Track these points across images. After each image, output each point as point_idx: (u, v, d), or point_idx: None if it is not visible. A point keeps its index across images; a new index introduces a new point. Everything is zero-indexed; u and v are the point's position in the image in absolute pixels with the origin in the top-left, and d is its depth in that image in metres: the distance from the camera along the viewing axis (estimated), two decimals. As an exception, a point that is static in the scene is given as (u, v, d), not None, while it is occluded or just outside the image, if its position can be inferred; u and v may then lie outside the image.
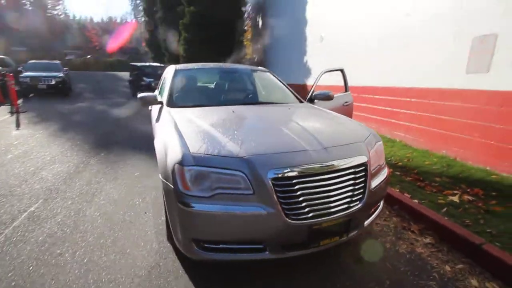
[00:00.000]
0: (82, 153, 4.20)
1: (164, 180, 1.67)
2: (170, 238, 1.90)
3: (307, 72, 8.71)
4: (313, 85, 3.40)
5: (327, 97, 3.11)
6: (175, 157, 1.59)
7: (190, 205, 1.49)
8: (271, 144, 1.69)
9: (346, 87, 4.00)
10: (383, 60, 4.90)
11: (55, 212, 2.52)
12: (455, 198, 2.55)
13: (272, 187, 1.48)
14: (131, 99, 10.85)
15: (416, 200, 2.52)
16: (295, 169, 1.52)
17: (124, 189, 2.99)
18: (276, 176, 1.49)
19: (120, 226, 2.29)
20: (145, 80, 10.72)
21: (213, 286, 1.69)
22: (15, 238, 2.11)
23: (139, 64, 12.85)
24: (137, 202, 2.71)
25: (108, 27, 42.68)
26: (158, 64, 13.79)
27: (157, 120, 2.49)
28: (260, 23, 14.87)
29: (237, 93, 3.21)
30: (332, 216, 1.57)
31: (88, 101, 10.41)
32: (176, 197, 1.54)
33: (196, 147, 1.62)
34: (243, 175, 1.50)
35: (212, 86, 3.34)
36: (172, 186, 1.56)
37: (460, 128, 3.56)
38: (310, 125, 2.05)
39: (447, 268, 1.87)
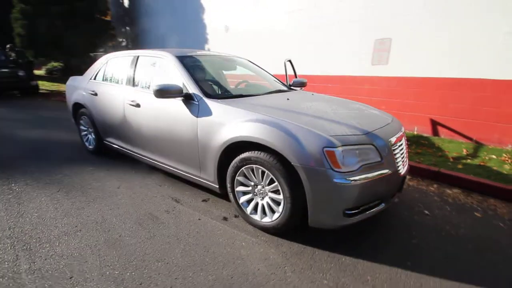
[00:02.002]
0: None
1: (306, 165, 1.76)
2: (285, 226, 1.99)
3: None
4: (285, 74, 3.84)
5: (302, 84, 3.67)
6: (319, 142, 1.75)
7: (345, 180, 1.72)
8: (372, 122, 2.13)
9: (295, 75, 4.69)
10: (309, 54, 5.90)
11: None
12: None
13: (392, 151, 1.95)
14: None
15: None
16: (395, 137, 2.06)
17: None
18: (390, 143, 1.97)
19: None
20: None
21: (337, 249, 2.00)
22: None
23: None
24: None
25: None
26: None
27: (208, 114, 2.26)
28: (126, 1, 13.07)
29: None
30: (404, 171, 2.22)
31: None
32: (329, 176, 1.72)
33: (329, 131, 1.82)
34: (374, 147, 1.87)
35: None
36: (324, 168, 1.72)
37: (371, 103, 5.06)
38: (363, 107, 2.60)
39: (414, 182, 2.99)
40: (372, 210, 1.96)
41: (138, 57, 3.05)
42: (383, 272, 1.78)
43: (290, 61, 4.55)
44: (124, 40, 14.31)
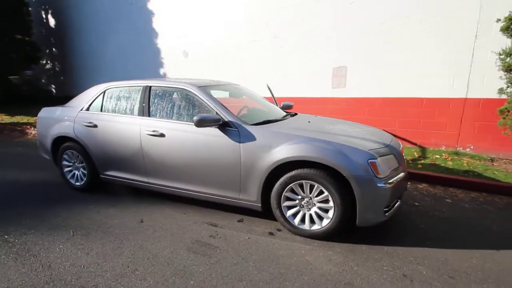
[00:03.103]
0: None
1: (356, 175, 2.16)
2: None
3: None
4: (273, 97, 4.27)
5: (289, 107, 4.17)
6: (365, 156, 2.21)
7: (384, 184, 2.20)
8: (384, 136, 2.71)
9: (274, 99, 5.18)
10: (275, 79, 6.46)
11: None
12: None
13: (403, 158, 2.53)
14: None
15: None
16: (401, 147, 2.67)
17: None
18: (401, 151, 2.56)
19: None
20: None
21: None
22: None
23: None
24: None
25: None
26: None
27: (252, 138, 2.48)
28: (52, 21, 11.84)
29: None
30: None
31: None
32: (374, 182, 2.17)
33: (365, 146, 2.29)
34: (393, 156, 2.41)
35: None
36: (370, 176, 2.16)
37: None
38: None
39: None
40: (395, 207, 2.47)
41: (149, 87, 3.04)
42: (417, 252, 2.28)
43: (268, 86, 5.05)
44: (49, 62, 12.75)
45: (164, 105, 2.94)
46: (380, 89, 5.32)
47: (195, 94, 2.83)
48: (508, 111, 3.88)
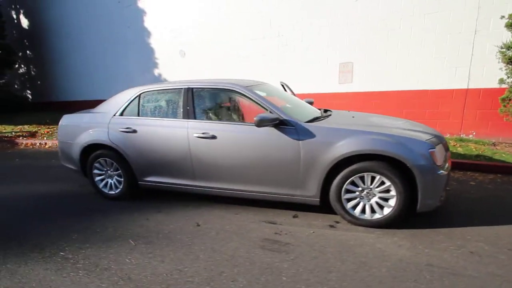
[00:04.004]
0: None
1: (419, 164, 2.32)
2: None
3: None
4: (293, 94, 4.35)
5: (311, 103, 4.28)
6: (425, 146, 2.38)
7: (442, 171, 2.38)
8: (427, 128, 2.88)
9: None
10: (280, 76, 6.53)
11: None
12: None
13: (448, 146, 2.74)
14: None
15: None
16: (441, 137, 2.88)
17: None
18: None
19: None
20: None
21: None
22: None
23: None
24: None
25: None
26: None
27: (311, 136, 2.56)
28: (25, 22, 11.02)
29: None
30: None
31: None
32: (434, 169, 2.35)
33: (421, 137, 2.45)
34: (441, 145, 2.60)
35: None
36: (430, 164, 2.33)
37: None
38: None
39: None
40: (445, 192, 2.68)
41: (191, 89, 2.99)
42: (470, 231, 2.49)
43: (283, 84, 5.13)
44: (23, 66, 11.83)
45: (210, 106, 2.92)
46: (386, 83, 5.60)
47: (243, 95, 2.83)
48: (509, 100, 4.29)
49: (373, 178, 2.49)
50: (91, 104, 10.00)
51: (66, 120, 3.55)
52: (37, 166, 5.10)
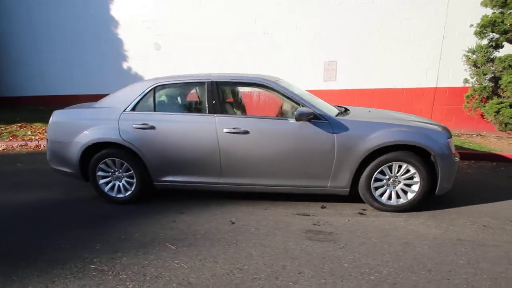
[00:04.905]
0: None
1: (441, 153, 2.59)
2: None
3: (137, 80, 7.75)
4: None
5: None
6: (444, 136, 2.68)
7: (456, 159, 2.71)
8: (434, 121, 3.19)
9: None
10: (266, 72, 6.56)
11: None
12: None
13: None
14: None
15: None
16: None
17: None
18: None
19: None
20: None
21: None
22: None
23: None
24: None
25: None
26: None
27: (344, 129, 2.68)
28: None
29: None
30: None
31: None
32: (452, 157, 2.67)
33: (437, 128, 2.74)
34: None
35: None
36: (449, 153, 2.63)
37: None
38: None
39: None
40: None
41: (215, 82, 2.85)
42: (476, 208, 2.87)
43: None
44: None
45: (239, 101, 2.84)
46: (367, 81, 6.06)
47: (273, 89, 2.82)
48: (473, 97, 5.02)
49: (399, 167, 2.72)
50: (41, 100, 8.83)
51: (59, 116, 3.09)
52: (18, 170, 4.34)
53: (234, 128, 2.74)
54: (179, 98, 2.92)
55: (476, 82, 4.95)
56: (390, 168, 2.72)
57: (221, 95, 2.85)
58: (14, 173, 4.28)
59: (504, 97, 4.63)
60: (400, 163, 2.68)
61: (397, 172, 2.73)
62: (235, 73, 3.01)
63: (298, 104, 2.78)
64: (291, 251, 2.24)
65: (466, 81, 5.08)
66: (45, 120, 8.14)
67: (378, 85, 6.01)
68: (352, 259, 2.13)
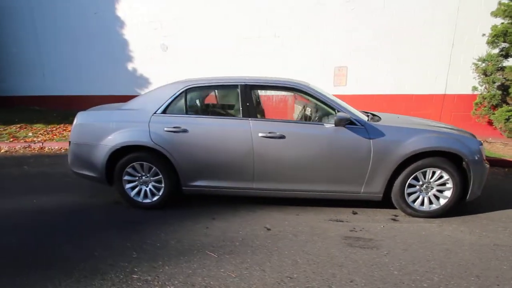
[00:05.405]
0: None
1: (473, 159, 2.63)
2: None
3: (142, 82, 7.60)
4: None
5: None
6: (477, 143, 2.73)
7: (487, 165, 2.76)
8: (459, 128, 3.24)
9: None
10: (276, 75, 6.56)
11: None
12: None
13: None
14: None
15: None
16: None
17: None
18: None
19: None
20: None
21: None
22: None
23: None
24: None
25: None
26: None
27: (380, 135, 2.69)
28: None
29: None
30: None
31: None
32: (483, 163, 2.71)
33: (469, 135, 2.79)
34: (479, 143, 3.01)
35: None
36: (480, 158, 2.68)
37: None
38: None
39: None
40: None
41: (249, 85, 2.81)
42: (501, 214, 2.91)
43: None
44: None
45: (274, 105, 2.81)
46: (377, 87, 6.15)
47: (308, 93, 2.81)
48: (481, 104, 5.15)
49: (433, 173, 2.74)
50: (40, 100, 8.53)
51: (84, 118, 2.98)
52: (12, 175, 4.15)
53: (269, 133, 2.71)
54: (211, 101, 2.87)
55: (485, 90, 5.09)
56: (424, 174, 2.75)
57: (254, 99, 2.82)
58: (24, 176, 4.10)
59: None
60: (434, 169, 2.71)
61: (431, 178, 2.76)
62: (267, 77, 2.98)
63: (333, 109, 2.78)
64: (336, 258, 2.21)
65: (474, 88, 5.22)
66: (45, 120, 7.96)
67: (388, 91, 6.11)
68: (399, 266, 2.12)
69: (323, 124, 2.73)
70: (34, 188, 3.62)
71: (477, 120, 5.38)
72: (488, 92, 5.03)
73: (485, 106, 5.11)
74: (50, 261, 2.17)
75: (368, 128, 2.71)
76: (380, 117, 3.15)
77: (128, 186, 2.94)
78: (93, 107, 3.31)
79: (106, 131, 2.87)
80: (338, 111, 2.73)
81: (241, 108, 2.80)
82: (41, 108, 8.81)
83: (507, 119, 4.62)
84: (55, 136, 6.40)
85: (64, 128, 6.96)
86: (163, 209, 3.00)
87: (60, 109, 8.43)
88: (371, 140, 2.68)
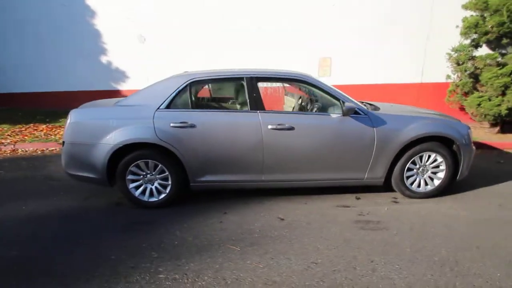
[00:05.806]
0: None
1: (463, 142, 2.88)
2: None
3: (119, 75, 7.15)
4: None
5: None
6: (466, 127, 2.98)
7: (474, 147, 3.03)
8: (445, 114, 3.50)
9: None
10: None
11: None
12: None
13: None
14: None
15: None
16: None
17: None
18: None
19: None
20: None
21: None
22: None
23: None
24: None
25: None
26: None
27: (382, 123, 2.83)
28: None
29: None
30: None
31: None
32: (471, 146, 2.99)
33: (458, 120, 3.03)
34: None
35: None
36: (469, 142, 2.94)
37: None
38: None
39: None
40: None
41: (254, 78, 2.79)
42: (489, 191, 3.24)
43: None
44: None
45: (280, 97, 2.82)
46: (359, 77, 6.39)
47: (314, 85, 2.86)
48: (454, 91, 5.58)
49: (429, 157, 2.95)
50: (1, 98, 7.73)
51: (79, 116, 2.77)
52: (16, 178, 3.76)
53: (279, 125, 2.73)
54: (216, 94, 2.82)
55: (458, 78, 5.52)
56: (420, 158, 2.95)
57: (262, 91, 2.82)
58: (2, 182, 3.74)
59: (482, 92, 5.24)
60: (430, 153, 2.92)
61: (427, 161, 2.98)
62: (272, 69, 2.98)
63: (338, 100, 2.86)
64: (352, 241, 2.33)
65: (448, 77, 5.65)
66: (10, 120, 7.24)
67: (370, 81, 6.38)
68: (410, 244, 2.29)
69: (329, 115, 2.81)
70: (18, 194, 3.32)
71: (450, 107, 5.84)
72: (460, 80, 5.47)
73: (457, 93, 5.56)
74: (67, 269, 2.04)
75: (371, 117, 2.84)
76: (378, 107, 3.31)
77: (132, 185, 2.82)
78: (85, 104, 3.10)
79: (106, 129, 2.70)
80: (344, 102, 2.83)
81: (248, 101, 2.79)
82: (2, 107, 8.01)
83: (479, 105, 5.08)
84: (26, 137, 5.87)
85: (35, 128, 6.41)
86: (169, 208, 2.93)
87: (26, 108, 7.74)
88: (374, 128, 2.82)
